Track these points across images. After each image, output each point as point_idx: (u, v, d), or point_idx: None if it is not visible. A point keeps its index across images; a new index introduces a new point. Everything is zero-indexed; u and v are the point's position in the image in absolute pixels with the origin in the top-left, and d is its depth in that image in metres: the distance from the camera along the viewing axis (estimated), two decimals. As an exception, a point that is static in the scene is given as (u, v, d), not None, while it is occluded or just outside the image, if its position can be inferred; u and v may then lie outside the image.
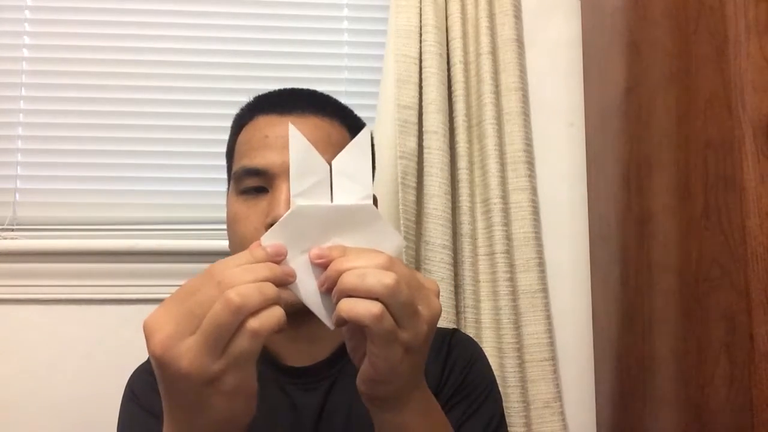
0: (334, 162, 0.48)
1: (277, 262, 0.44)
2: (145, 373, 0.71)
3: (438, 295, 0.48)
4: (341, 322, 0.45)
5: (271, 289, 0.41)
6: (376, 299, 0.42)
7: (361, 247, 0.46)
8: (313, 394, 0.68)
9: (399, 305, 0.43)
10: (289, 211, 0.47)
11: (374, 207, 0.49)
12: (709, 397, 0.78)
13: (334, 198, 0.48)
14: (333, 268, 0.44)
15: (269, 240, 0.46)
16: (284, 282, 0.44)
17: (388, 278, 0.42)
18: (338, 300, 0.43)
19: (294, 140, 0.47)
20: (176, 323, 0.41)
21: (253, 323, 0.40)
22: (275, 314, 0.41)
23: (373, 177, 0.81)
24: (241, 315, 0.40)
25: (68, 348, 1.06)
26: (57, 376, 1.05)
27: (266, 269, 0.43)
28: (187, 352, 0.40)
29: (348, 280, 0.43)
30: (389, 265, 0.43)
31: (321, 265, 0.45)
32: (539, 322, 1.06)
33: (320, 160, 0.48)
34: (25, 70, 1.15)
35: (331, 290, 0.44)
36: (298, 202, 0.47)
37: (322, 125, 0.69)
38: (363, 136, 0.49)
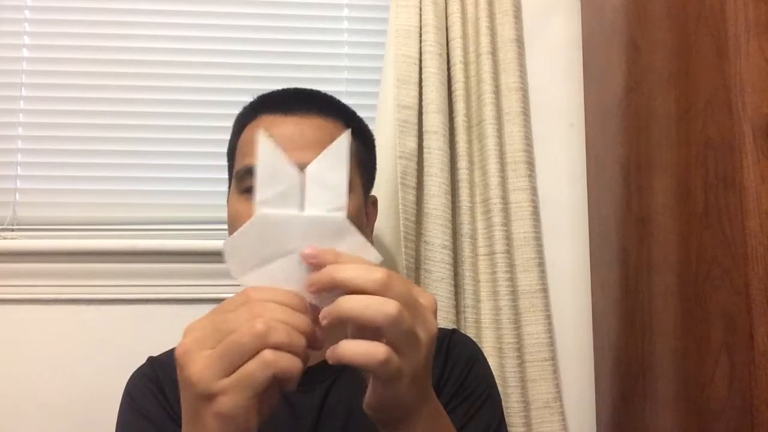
0: (307, 169, 0.46)
1: (314, 321, 0.43)
2: (144, 378, 0.71)
3: (435, 312, 0.46)
4: (335, 360, 0.42)
5: (300, 341, 0.41)
6: (378, 328, 0.40)
7: (351, 255, 0.44)
8: (311, 394, 0.68)
9: (401, 335, 0.41)
10: (251, 219, 0.45)
11: (346, 219, 0.45)
12: (709, 397, 0.78)
13: (304, 208, 0.45)
14: (327, 274, 0.42)
15: (229, 247, 0.44)
16: (313, 345, 0.42)
17: (390, 308, 0.40)
18: (330, 321, 0.41)
19: (262, 145, 0.45)
20: (204, 333, 0.42)
21: (269, 355, 0.40)
22: (294, 362, 0.40)
23: (374, 178, 0.81)
24: (260, 343, 0.39)
25: (68, 348, 1.06)
26: (57, 376, 1.05)
27: (302, 321, 0.42)
28: (200, 361, 0.40)
29: (348, 307, 0.41)
30: (387, 284, 0.41)
31: (313, 265, 0.43)
32: (539, 322, 1.06)
33: (290, 167, 0.45)
34: (25, 70, 1.15)
35: (319, 291, 0.43)
36: (262, 210, 0.45)
37: (325, 125, 0.69)
38: (340, 142, 0.46)
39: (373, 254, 0.46)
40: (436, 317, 0.46)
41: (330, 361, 0.42)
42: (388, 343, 0.41)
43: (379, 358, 0.40)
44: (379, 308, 0.40)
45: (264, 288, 0.43)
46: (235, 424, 0.41)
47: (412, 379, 0.43)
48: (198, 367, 0.40)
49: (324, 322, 0.42)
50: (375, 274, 0.41)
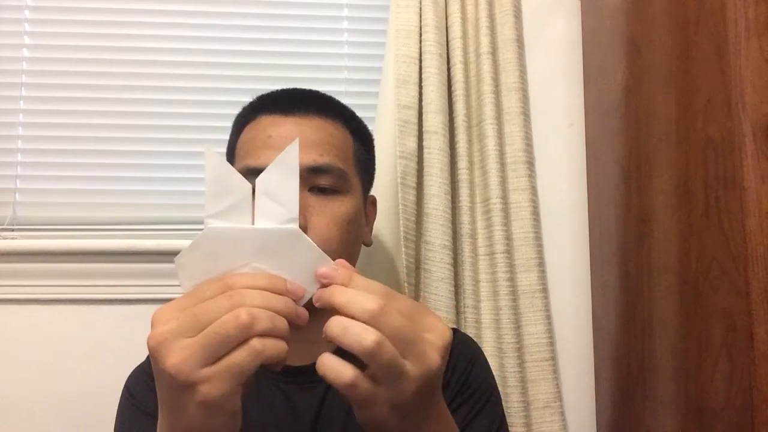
0: (257, 180, 0.45)
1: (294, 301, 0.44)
2: (143, 374, 0.71)
3: (443, 349, 0.45)
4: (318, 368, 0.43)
5: (283, 324, 0.42)
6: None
7: (367, 280, 0.44)
8: (311, 393, 0.68)
9: (379, 367, 0.41)
10: (200, 233, 0.44)
11: (299, 230, 0.45)
12: (709, 397, 0.78)
13: (255, 220, 0.45)
14: (328, 294, 0.43)
15: (181, 261, 0.45)
16: (296, 322, 0.43)
17: (369, 338, 0.40)
18: (325, 337, 0.42)
19: (209, 159, 0.44)
20: (179, 322, 0.42)
21: (257, 343, 0.40)
22: (280, 347, 0.41)
23: (373, 178, 0.81)
24: (247, 334, 0.40)
25: (68, 348, 1.06)
26: (57, 376, 1.05)
27: (282, 303, 0.42)
28: (180, 351, 0.40)
29: (331, 330, 0.42)
30: (379, 315, 0.41)
31: (323, 285, 0.44)
32: (539, 322, 1.06)
33: (240, 179, 0.45)
34: (25, 70, 1.15)
35: (323, 306, 0.44)
36: (210, 223, 0.44)
37: (324, 126, 0.69)
38: (289, 152, 0.46)
39: (329, 264, 0.45)
40: (444, 354, 0.45)
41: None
42: (367, 370, 0.42)
43: (345, 380, 0.41)
44: (356, 336, 0.41)
45: (242, 274, 0.44)
46: (222, 411, 0.41)
47: (392, 408, 0.43)
48: (177, 357, 0.40)
49: (317, 304, 0.44)
50: (367, 305, 0.42)
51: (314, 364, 0.67)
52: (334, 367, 0.42)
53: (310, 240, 0.46)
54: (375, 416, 0.43)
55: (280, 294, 0.43)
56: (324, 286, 0.44)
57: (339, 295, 0.43)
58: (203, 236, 0.44)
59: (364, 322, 0.41)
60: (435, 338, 0.45)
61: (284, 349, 0.42)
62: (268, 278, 0.43)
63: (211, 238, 0.44)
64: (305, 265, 0.45)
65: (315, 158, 0.66)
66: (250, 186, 0.45)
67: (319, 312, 0.45)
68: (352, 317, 0.42)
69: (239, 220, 0.45)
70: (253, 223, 0.45)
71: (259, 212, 0.45)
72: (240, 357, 0.40)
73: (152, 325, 0.43)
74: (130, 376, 0.73)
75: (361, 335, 0.41)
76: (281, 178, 0.45)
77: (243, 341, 0.40)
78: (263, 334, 0.41)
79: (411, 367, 0.42)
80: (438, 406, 0.50)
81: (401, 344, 0.42)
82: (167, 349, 0.41)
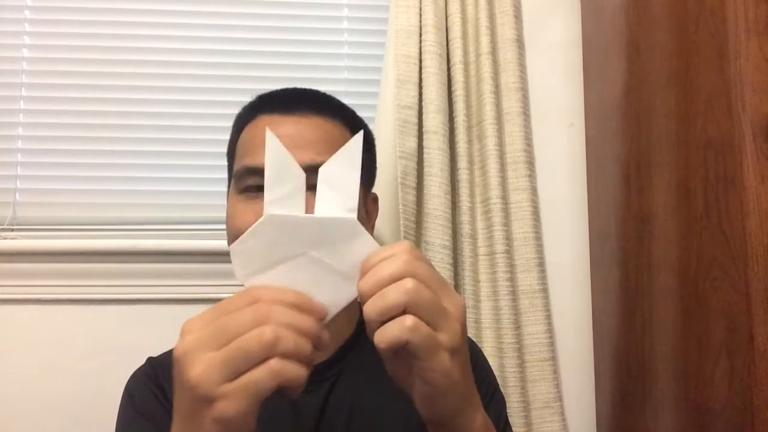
0: (321, 169, 0.45)
1: (317, 319, 0.43)
2: (144, 377, 0.71)
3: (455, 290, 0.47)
4: (385, 352, 0.43)
5: (307, 348, 0.41)
6: (404, 311, 0.42)
7: (383, 248, 0.44)
8: (314, 394, 0.68)
9: (426, 306, 0.42)
10: (260, 220, 0.44)
11: (357, 221, 0.45)
12: (709, 397, 0.78)
13: (315, 209, 0.45)
14: (362, 292, 0.43)
15: (238, 248, 0.44)
16: (318, 346, 0.43)
17: (407, 283, 0.42)
18: (386, 345, 0.42)
19: (270, 145, 0.44)
20: (206, 333, 0.41)
21: (276, 364, 0.39)
22: (300, 372, 0.40)
23: (374, 177, 0.81)
24: (269, 353, 0.39)
25: (68, 348, 1.06)
26: (57, 376, 1.05)
27: (308, 323, 0.42)
28: (203, 363, 0.40)
29: (372, 309, 0.42)
30: (407, 268, 0.42)
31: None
32: (539, 322, 1.06)
33: (296, 168, 0.45)
34: (25, 70, 1.15)
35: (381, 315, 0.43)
36: (271, 210, 0.44)
37: (324, 125, 0.69)
38: (353, 144, 0.46)
39: None
40: (462, 298, 0.47)
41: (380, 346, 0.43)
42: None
43: (407, 324, 0.41)
44: (396, 290, 0.42)
45: (271, 287, 0.43)
46: (235, 430, 0.40)
47: (452, 353, 0.43)
48: (200, 370, 0.40)
49: (382, 346, 0.43)
50: (395, 265, 0.42)
51: (316, 366, 0.66)
52: (390, 328, 0.42)
53: (367, 232, 0.45)
54: (443, 366, 0.43)
55: (306, 312, 0.42)
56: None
57: (364, 284, 0.43)
58: (261, 223, 0.44)
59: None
60: (447, 282, 0.46)
61: (303, 375, 0.40)
62: (295, 295, 0.43)
63: (269, 225, 0.44)
64: (360, 256, 0.44)
65: (314, 157, 0.66)
66: (303, 174, 0.45)
67: None
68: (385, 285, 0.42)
69: (293, 208, 0.44)
70: (312, 212, 0.44)
71: (319, 202, 0.45)
72: (258, 375, 0.39)
73: (181, 335, 0.42)
74: (130, 378, 0.73)
75: (399, 288, 0.41)
76: (342, 169, 0.45)
77: (263, 360, 0.40)
78: (285, 355, 0.40)
79: (449, 305, 0.44)
80: (479, 400, 0.51)
81: (434, 286, 0.43)
82: (192, 360, 0.40)
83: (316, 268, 0.44)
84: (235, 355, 0.39)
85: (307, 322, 0.42)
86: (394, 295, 0.41)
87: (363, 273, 0.44)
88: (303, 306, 0.42)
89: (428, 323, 0.42)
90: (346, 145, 0.46)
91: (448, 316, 0.43)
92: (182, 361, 0.41)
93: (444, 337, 0.43)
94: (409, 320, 0.41)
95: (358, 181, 0.46)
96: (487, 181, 1.07)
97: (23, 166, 1.13)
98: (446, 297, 0.44)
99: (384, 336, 0.42)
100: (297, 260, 0.44)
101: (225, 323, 0.41)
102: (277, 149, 0.45)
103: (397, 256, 0.43)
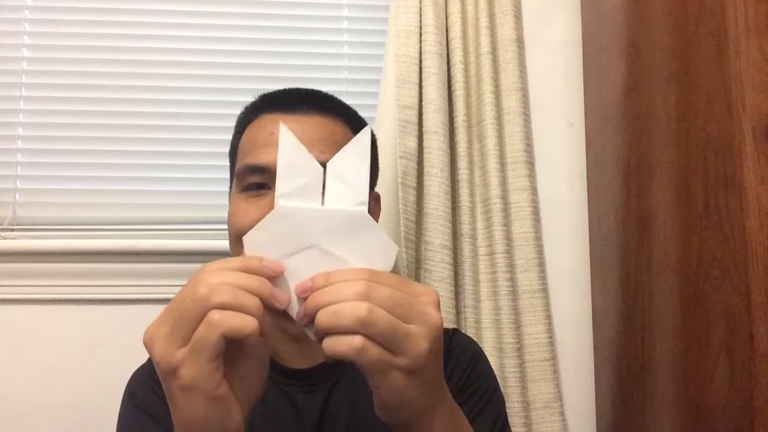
0: (329, 163, 0.46)
1: (272, 278, 0.43)
2: (145, 374, 0.71)
3: (437, 304, 0.45)
4: (331, 359, 0.42)
5: (250, 300, 0.41)
6: (356, 332, 0.40)
7: (346, 270, 0.43)
8: (314, 395, 0.68)
9: (381, 333, 0.41)
10: (271, 212, 0.44)
11: (367, 214, 0.45)
12: (709, 397, 0.78)
13: (325, 202, 0.45)
14: (311, 302, 0.42)
15: (249, 240, 0.44)
16: (267, 299, 0.42)
17: (360, 310, 0.40)
18: (320, 338, 0.42)
19: (284, 139, 0.45)
20: (163, 315, 0.43)
21: (215, 315, 0.40)
22: (244, 319, 0.40)
23: (377, 176, 0.81)
24: (204, 306, 0.40)
25: (68, 348, 1.06)
26: (57, 376, 1.05)
27: (250, 279, 0.42)
28: (160, 340, 0.41)
29: (323, 321, 0.41)
30: (366, 291, 0.41)
31: (304, 299, 0.43)
32: (539, 322, 1.06)
33: (312, 161, 0.45)
34: (25, 70, 1.15)
35: (311, 321, 0.43)
36: (281, 203, 0.44)
37: (326, 124, 0.69)
38: (362, 137, 0.47)
39: (391, 248, 0.46)
40: (439, 309, 0.46)
41: (314, 339, 0.42)
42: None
43: (355, 345, 0.40)
44: (349, 313, 0.40)
45: (217, 261, 0.43)
46: (200, 394, 0.41)
47: (408, 374, 0.43)
48: (158, 347, 0.41)
49: (303, 322, 0.43)
50: (356, 287, 0.41)
51: (316, 366, 0.66)
52: (341, 339, 0.41)
53: (377, 224, 0.46)
54: (395, 386, 0.42)
55: (256, 273, 0.42)
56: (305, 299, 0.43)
57: (320, 296, 0.42)
58: (272, 215, 0.44)
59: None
60: (426, 298, 0.45)
61: (250, 323, 0.40)
62: (242, 260, 0.43)
63: (280, 218, 0.44)
64: (371, 248, 0.45)
65: (317, 155, 0.66)
66: (321, 168, 0.45)
67: None
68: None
69: (308, 201, 0.45)
70: (322, 205, 0.45)
71: (329, 194, 0.45)
72: (200, 331, 0.40)
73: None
74: (132, 377, 0.73)
75: (353, 310, 0.40)
76: (352, 162, 0.46)
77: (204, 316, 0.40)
78: (224, 307, 0.40)
79: (416, 328, 0.42)
80: (446, 391, 0.50)
81: (398, 310, 0.42)
82: (153, 341, 0.42)
83: (326, 260, 0.44)
84: (178, 320, 0.41)
85: (249, 278, 0.42)
86: (345, 318, 0.40)
87: (316, 287, 0.43)
88: (248, 269, 0.42)
89: (384, 345, 0.41)
90: (354, 139, 0.47)
91: (409, 338, 0.42)
92: (148, 345, 0.42)
93: (401, 360, 0.42)
94: (357, 341, 0.40)
95: (368, 174, 0.46)
96: (487, 181, 1.07)
97: (23, 166, 1.13)
98: (416, 317, 0.43)
99: (330, 347, 0.41)
100: (307, 252, 0.45)
101: (173, 301, 0.42)
102: (291, 143, 0.45)
103: (355, 281, 0.42)
